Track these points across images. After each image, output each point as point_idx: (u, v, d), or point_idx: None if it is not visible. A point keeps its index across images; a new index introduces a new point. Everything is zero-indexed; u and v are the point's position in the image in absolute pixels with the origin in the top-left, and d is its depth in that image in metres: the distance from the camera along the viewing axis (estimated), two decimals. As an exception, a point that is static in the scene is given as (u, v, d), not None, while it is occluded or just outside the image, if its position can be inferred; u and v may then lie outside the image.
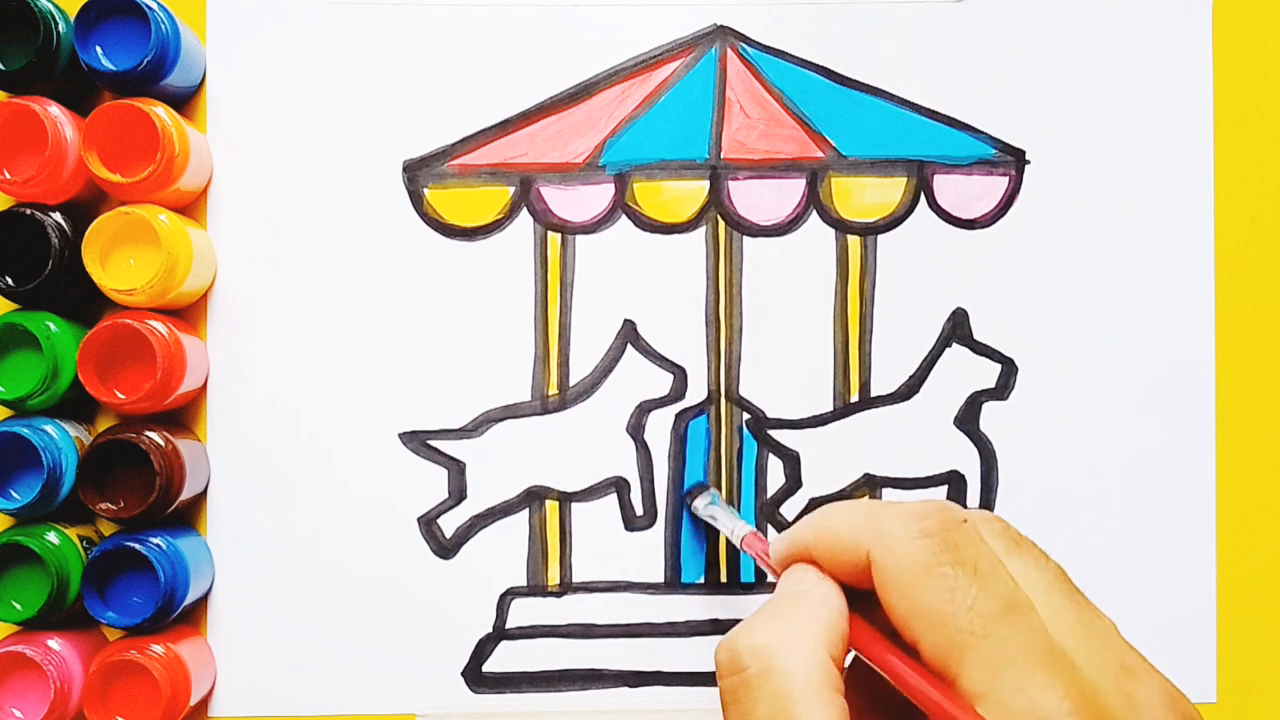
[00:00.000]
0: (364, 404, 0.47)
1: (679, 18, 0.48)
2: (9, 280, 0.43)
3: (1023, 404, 0.48)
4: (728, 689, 0.26)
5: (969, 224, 0.48)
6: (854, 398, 0.48)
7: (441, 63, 0.47)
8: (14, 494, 0.43)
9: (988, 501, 0.48)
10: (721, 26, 0.48)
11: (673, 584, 0.47)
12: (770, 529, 0.47)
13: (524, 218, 0.47)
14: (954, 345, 0.48)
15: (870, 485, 0.48)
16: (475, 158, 0.47)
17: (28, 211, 0.43)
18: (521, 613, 0.47)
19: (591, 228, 0.47)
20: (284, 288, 0.47)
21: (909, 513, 0.26)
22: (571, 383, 0.47)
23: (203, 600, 0.46)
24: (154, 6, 0.44)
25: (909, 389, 0.48)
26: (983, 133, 0.48)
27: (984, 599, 0.25)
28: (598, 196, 0.47)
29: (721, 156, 0.48)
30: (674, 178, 0.47)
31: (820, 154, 0.48)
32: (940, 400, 0.48)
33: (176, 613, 0.44)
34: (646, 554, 0.47)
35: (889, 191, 0.48)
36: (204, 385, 0.47)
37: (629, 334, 0.47)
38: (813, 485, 0.47)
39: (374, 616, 0.47)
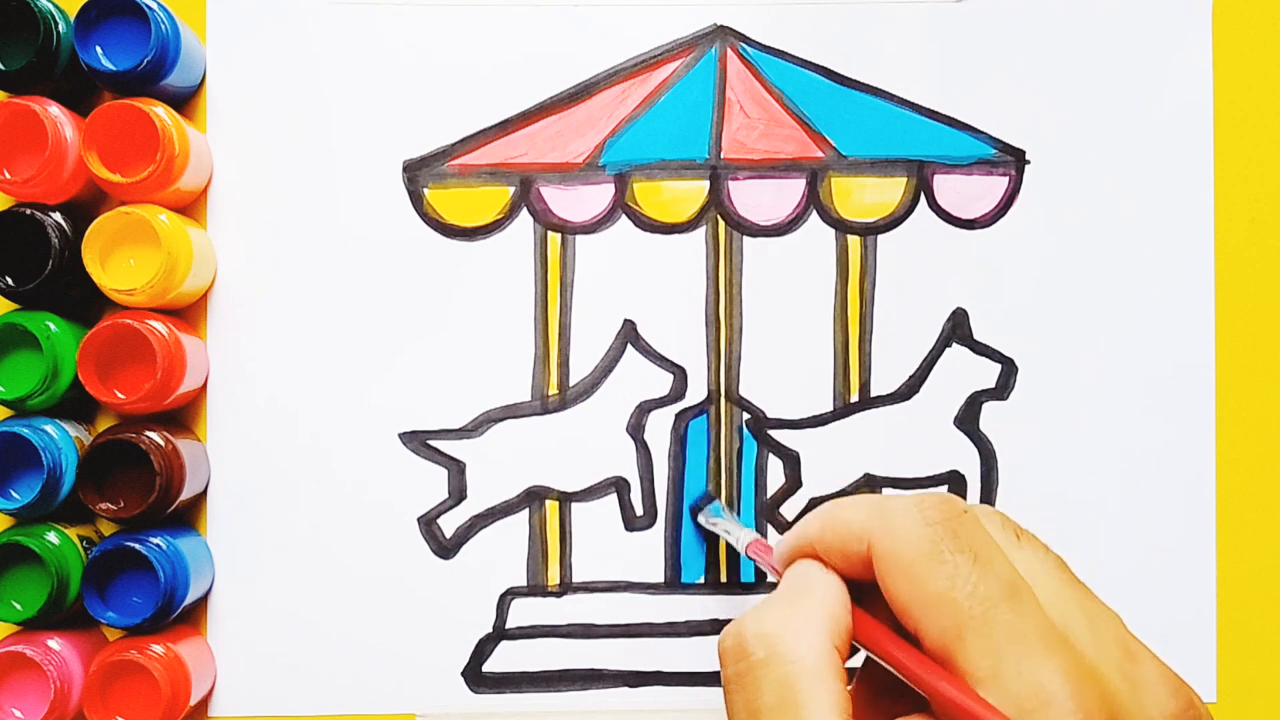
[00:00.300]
0: (364, 404, 0.47)
1: (679, 18, 0.48)
2: (9, 280, 0.43)
3: (1023, 404, 0.48)
4: (733, 676, 0.26)
5: (969, 224, 0.48)
6: (854, 398, 0.48)
7: (441, 63, 0.47)
8: (14, 494, 0.43)
9: (988, 501, 0.48)
10: (721, 26, 0.48)
11: (673, 584, 0.47)
12: (770, 529, 0.47)
13: (524, 218, 0.47)
14: (954, 345, 0.48)
15: (870, 485, 0.48)
16: (475, 158, 0.47)
17: (28, 211, 0.43)
18: (521, 613, 0.47)
19: (591, 228, 0.47)
20: (284, 288, 0.47)
21: (912, 503, 0.27)
22: (571, 383, 0.47)
23: (203, 600, 0.46)
24: (154, 6, 0.44)
25: (909, 389, 0.48)
26: (983, 133, 0.48)
27: (984, 584, 0.25)
28: (598, 196, 0.47)
29: (721, 156, 0.48)
30: (674, 178, 0.47)
31: (820, 154, 0.48)
32: (940, 400, 0.48)
33: (176, 613, 0.44)
34: (646, 554, 0.47)
35: (889, 191, 0.48)
36: (204, 385, 0.47)
37: (629, 334, 0.47)
38: (813, 485, 0.47)
39: (374, 616, 0.47)
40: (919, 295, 0.48)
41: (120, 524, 0.45)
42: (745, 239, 0.48)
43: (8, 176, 0.43)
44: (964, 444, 0.48)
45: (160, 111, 0.43)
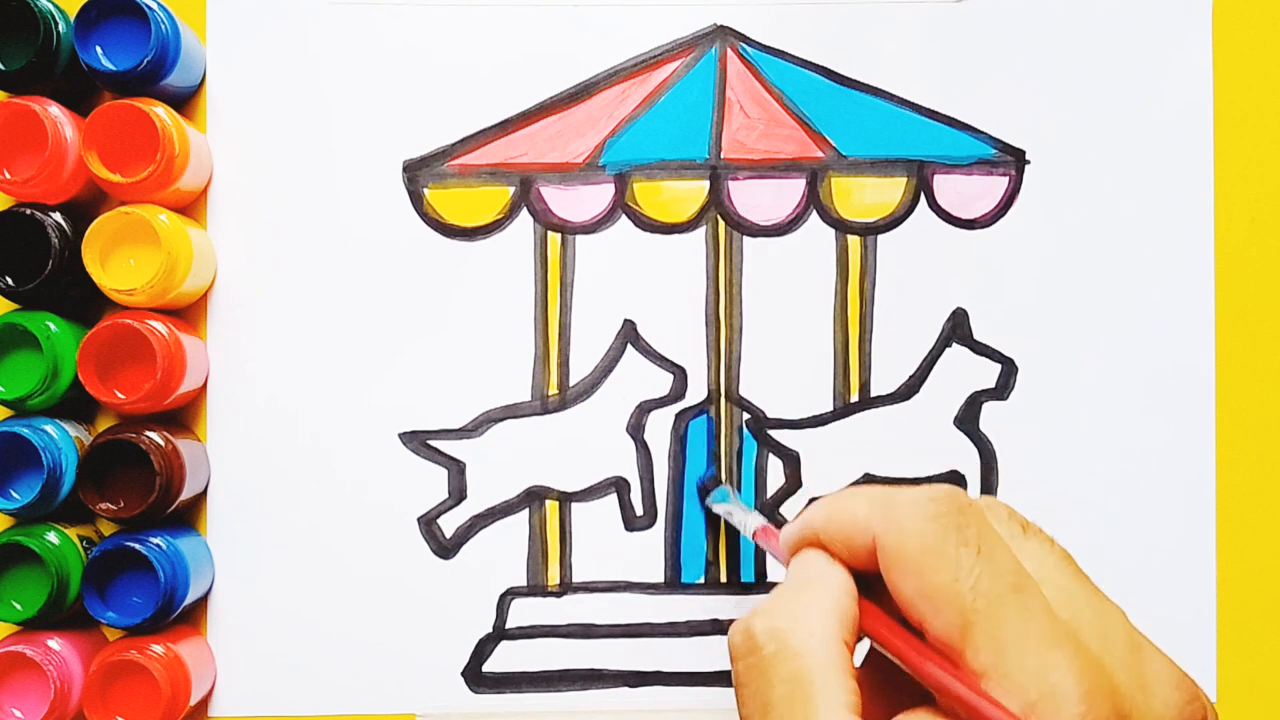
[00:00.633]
0: (364, 404, 0.47)
1: (679, 18, 0.48)
2: (9, 280, 0.43)
3: (1023, 404, 0.48)
4: (743, 670, 0.26)
5: (969, 224, 0.48)
6: (854, 398, 0.48)
7: (441, 63, 0.47)
8: (14, 494, 0.43)
9: (988, 501, 0.48)
10: (721, 26, 0.48)
11: (673, 584, 0.47)
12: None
13: (524, 218, 0.47)
14: (954, 345, 0.48)
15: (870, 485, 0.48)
16: (475, 158, 0.47)
17: (28, 211, 0.43)
18: (521, 613, 0.47)
19: (591, 228, 0.47)
20: (284, 288, 0.47)
21: (917, 495, 0.26)
22: (571, 383, 0.47)
23: (203, 600, 0.46)
24: (154, 6, 0.44)
25: (909, 389, 0.48)
26: (983, 133, 0.48)
27: (989, 577, 0.25)
28: (598, 196, 0.47)
29: (721, 156, 0.48)
30: (674, 178, 0.47)
31: (820, 154, 0.48)
32: (940, 400, 0.48)
33: (176, 613, 0.44)
34: (646, 554, 0.47)
35: (889, 191, 0.48)
36: (204, 385, 0.47)
37: (629, 334, 0.47)
38: (813, 485, 0.47)
39: (374, 616, 0.47)
40: (919, 295, 0.48)
41: (120, 524, 0.45)
42: (745, 239, 0.48)
43: (8, 176, 0.43)
44: (964, 444, 0.48)
45: (160, 111, 0.43)
